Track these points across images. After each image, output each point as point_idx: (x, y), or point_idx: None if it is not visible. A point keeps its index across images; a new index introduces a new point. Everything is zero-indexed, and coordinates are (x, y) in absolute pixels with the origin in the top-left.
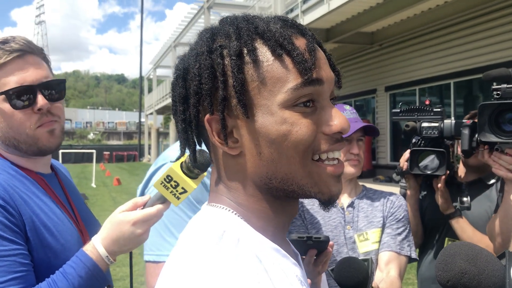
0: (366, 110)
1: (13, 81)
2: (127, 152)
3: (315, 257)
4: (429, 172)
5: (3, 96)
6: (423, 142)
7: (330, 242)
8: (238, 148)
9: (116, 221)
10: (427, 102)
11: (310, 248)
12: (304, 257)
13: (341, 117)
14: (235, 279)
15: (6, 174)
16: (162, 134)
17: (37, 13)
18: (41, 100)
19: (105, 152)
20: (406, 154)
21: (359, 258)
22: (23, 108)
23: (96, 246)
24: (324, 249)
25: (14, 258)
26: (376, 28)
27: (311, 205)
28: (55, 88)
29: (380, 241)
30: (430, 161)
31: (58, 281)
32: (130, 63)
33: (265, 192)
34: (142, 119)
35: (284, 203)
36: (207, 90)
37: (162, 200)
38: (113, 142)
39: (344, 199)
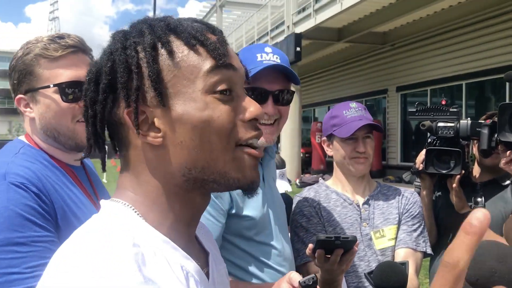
0: (377, 110)
1: (65, 75)
2: None
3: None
4: (444, 172)
5: (56, 88)
6: (438, 141)
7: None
8: (160, 138)
9: None
10: (443, 102)
11: (337, 247)
12: (329, 256)
13: (256, 105)
14: (104, 261)
15: (39, 164)
16: None
17: (51, 9)
18: None
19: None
20: (422, 154)
21: (397, 262)
22: (70, 102)
23: None
24: (350, 249)
25: (46, 245)
26: (388, 28)
27: (327, 202)
28: None
29: (396, 238)
30: (444, 161)
31: None
32: None
33: (180, 185)
34: None
35: (194, 197)
36: (123, 83)
37: None
38: None
39: (359, 196)
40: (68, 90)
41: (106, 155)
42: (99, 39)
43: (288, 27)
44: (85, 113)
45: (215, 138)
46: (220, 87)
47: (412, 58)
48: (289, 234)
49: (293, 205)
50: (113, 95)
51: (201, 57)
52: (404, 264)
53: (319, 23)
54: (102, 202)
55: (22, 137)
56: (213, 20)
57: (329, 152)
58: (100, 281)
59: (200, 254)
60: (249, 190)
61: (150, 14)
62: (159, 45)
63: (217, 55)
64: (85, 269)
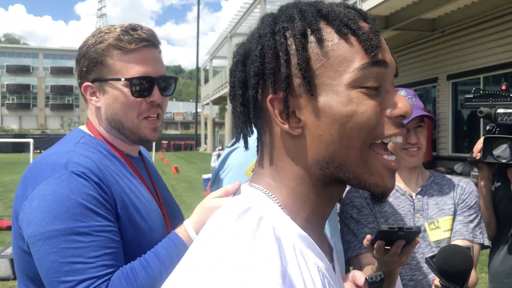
0: (426, 99)
1: (137, 69)
2: (184, 141)
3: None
4: (504, 161)
5: (127, 82)
6: (498, 129)
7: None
8: (300, 129)
9: (207, 207)
10: (504, 87)
11: (398, 238)
12: (388, 247)
13: (405, 101)
14: (245, 256)
15: (99, 153)
16: (217, 124)
17: (99, 6)
18: (156, 93)
19: (163, 141)
20: (480, 142)
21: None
22: (139, 97)
23: (187, 230)
24: (412, 240)
25: (107, 234)
26: (437, 14)
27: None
28: (168, 83)
29: (451, 229)
30: (504, 150)
31: (150, 260)
32: (187, 54)
33: (317, 177)
34: (199, 109)
35: (331, 191)
36: (270, 69)
37: None
38: (171, 131)
39: (412, 187)
40: (138, 85)
41: (154, 148)
42: None
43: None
44: (232, 93)
45: (355, 135)
46: (369, 84)
47: (463, 45)
48: (338, 225)
49: (343, 196)
50: (261, 79)
51: (352, 48)
52: (469, 249)
53: (366, 10)
54: (243, 186)
55: (83, 127)
56: (257, 12)
57: None
58: (242, 279)
59: (327, 249)
60: (378, 197)
61: (195, 8)
62: (309, 32)
63: (369, 47)
64: (227, 266)
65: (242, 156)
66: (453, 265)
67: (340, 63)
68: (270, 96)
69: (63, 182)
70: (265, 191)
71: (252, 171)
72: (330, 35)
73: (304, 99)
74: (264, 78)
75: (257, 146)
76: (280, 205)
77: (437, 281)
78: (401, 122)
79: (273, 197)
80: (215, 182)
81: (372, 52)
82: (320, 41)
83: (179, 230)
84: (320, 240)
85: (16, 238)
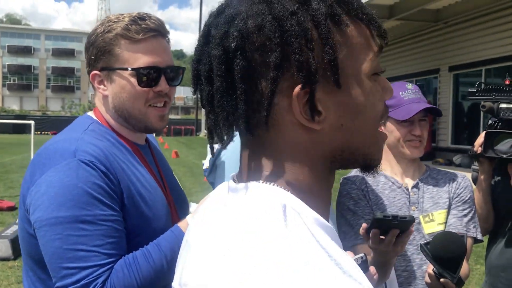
0: (427, 90)
1: (144, 59)
2: (184, 126)
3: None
4: (504, 156)
5: (134, 72)
6: (500, 124)
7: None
8: (321, 123)
9: None
10: (507, 82)
11: (392, 227)
12: (383, 237)
13: (388, 82)
14: (313, 262)
15: (107, 141)
16: None
17: None
18: (163, 83)
19: None
20: (481, 136)
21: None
22: (146, 87)
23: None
24: (407, 230)
25: (111, 224)
26: (442, 5)
27: (375, 185)
28: (176, 74)
29: (445, 223)
30: (505, 145)
31: (152, 251)
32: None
33: (326, 166)
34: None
35: (332, 178)
36: (298, 61)
37: None
38: (171, 116)
39: (408, 180)
40: (145, 75)
41: (155, 133)
42: None
43: None
44: (228, 89)
45: (372, 122)
46: (378, 70)
47: (466, 37)
48: (335, 216)
49: (340, 187)
50: (282, 71)
51: (367, 34)
52: (463, 237)
53: (370, 0)
54: (251, 184)
55: (91, 113)
56: None
57: None
58: (297, 278)
59: None
60: (374, 170)
61: None
62: (330, 16)
63: (382, 32)
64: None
65: (235, 143)
66: (447, 251)
67: (360, 51)
68: (297, 90)
69: (71, 170)
70: (283, 187)
71: None
72: (348, 20)
73: (327, 91)
74: (283, 70)
75: (245, 140)
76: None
77: (430, 269)
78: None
79: (291, 192)
80: (212, 171)
81: (385, 39)
82: (342, 27)
83: (182, 224)
84: None
85: (22, 221)
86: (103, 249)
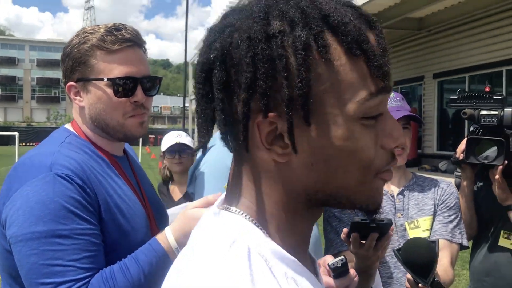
0: (413, 97)
1: (120, 70)
2: None
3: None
4: (486, 162)
5: (110, 82)
6: (481, 130)
7: (391, 227)
8: (287, 155)
9: (188, 216)
10: (487, 89)
11: (371, 231)
12: (364, 241)
13: (399, 128)
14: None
15: (84, 154)
16: None
17: None
18: (139, 93)
19: (150, 136)
20: (463, 143)
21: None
22: (122, 97)
23: (167, 237)
24: (386, 233)
25: (88, 238)
26: (425, 13)
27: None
28: (152, 83)
29: (431, 229)
30: (488, 151)
31: (130, 265)
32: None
33: (301, 202)
34: (186, 104)
35: (315, 211)
36: (264, 88)
37: None
38: (158, 126)
39: (394, 187)
40: (120, 85)
41: (141, 142)
42: (134, 27)
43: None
44: (204, 93)
45: (356, 168)
46: (372, 114)
47: (450, 44)
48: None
49: None
50: (253, 94)
51: (361, 72)
52: (434, 243)
53: None
54: (217, 210)
55: (68, 125)
56: None
57: None
58: None
59: (311, 265)
60: (371, 213)
61: (184, 2)
62: (314, 46)
63: (381, 74)
64: None
65: (216, 153)
66: (417, 257)
67: (346, 90)
68: (259, 119)
69: (47, 184)
70: (248, 217)
71: None
72: (337, 53)
73: (299, 125)
74: (254, 93)
75: (234, 158)
76: (263, 232)
77: (409, 274)
78: (394, 151)
79: (258, 225)
80: (192, 181)
81: (384, 82)
82: (326, 60)
83: (159, 237)
84: (305, 260)
85: None
86: (79, 264)
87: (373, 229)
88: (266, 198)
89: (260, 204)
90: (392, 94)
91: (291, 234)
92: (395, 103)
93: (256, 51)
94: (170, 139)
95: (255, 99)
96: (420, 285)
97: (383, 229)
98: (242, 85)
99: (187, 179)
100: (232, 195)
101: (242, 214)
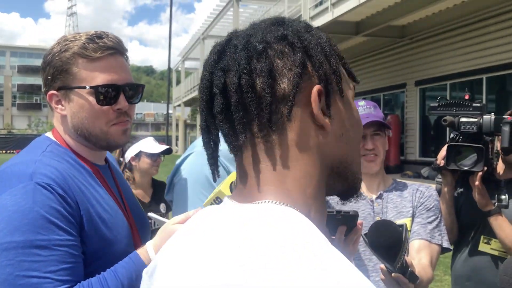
0: (395, 104)
1: (102, 77)
2: None
3: (344, 236)
4: (466, 168)
5: (92, 90)
6: (461, 137)
7: (359, 221)
8: (328, 126)
9: (168, 232)
10: (467, 97)
11: (339, 224)
12: (333, 237)
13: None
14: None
15: (66, 163)
16: (189, 126)
17: (69, 5)
18: (122, 101)
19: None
20: (444, 150)
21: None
22: (104, 105)
23: (148, 251)
24: (354, 226)
25: (67, 249)
26: (407, 21)
27: (337, 198)
28: (135, 91)
29: (409, 231)
30: (468, 158)
31: (109, 279)
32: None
33: (326, 179)
34: (170, 111)
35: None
36: (317, 62)
37: None
38: (141, 133)
39: (373, 192)
40: (103, 93)
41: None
42: (118, 34)
43: (305, 21)
44: (255, 84)
45: (359, 139)
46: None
47: (431, 52)
48: None
49: None
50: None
51: (346, 72)
52: (401, 226)
53: (337, 16)
54: (263, 205)
55: (49, 134)
56: (229, 15)
57: None
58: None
59: None
60: (355, 196)
61: (168, 9)
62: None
63: (353, 78)
64: None
65: (194, 161)
66: (381, 239)
67: (347, 80)
68: (318, 87)
69: (27, 194)
70: (291, 207)
71: (232, 185)
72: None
73: (335, 98)
74: (305, 71)
75: (237, 152)
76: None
77: (383, 265)
78: None
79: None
80: (170, 189)
81: (354, 80)
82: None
83: (141, 251)
84: None
85: None
86: (57, 276)
87: (340, 222)
88: (308, 179)
89: (295, 187)
90: (363, 102)
91: (322, 216)
92: (365, 110)
93: (304, 40)
94: (153, 143)
95: (304, 78)
96: (393, 274)
97: (350, 221)
98: (297, 62)
99: (166, 186)
100: (263, 187)
101: (284, 204)
